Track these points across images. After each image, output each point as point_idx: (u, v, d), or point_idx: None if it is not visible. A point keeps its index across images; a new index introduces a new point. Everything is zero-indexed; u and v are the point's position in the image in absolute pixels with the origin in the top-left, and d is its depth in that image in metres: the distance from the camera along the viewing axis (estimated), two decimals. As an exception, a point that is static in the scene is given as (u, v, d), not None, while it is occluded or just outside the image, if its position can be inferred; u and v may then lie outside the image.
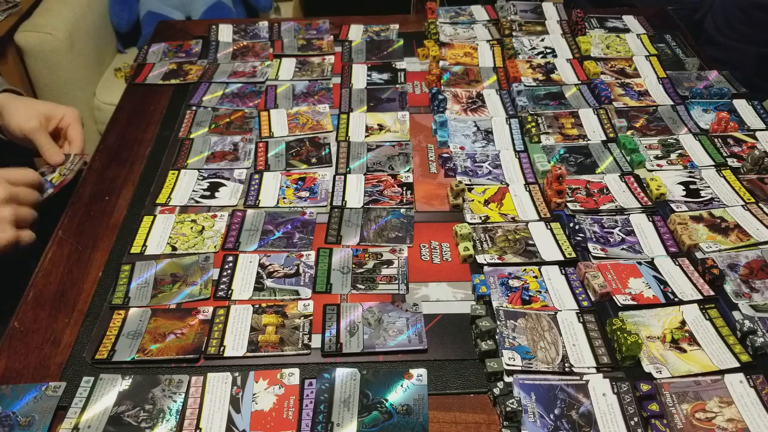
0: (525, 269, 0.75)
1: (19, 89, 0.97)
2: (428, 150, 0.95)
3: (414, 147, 0.95)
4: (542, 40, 1.19)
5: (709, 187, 0.86)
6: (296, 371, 0.65)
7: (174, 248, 0.79)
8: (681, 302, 0.71)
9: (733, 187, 0.86)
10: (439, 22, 1.25)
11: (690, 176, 0.88)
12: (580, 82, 1.08)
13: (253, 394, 0.63)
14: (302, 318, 0.70)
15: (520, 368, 0.64)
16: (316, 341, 0.68)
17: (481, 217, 0.82)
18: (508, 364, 0.64)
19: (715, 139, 0.95)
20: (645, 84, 1.07)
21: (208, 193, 0.87)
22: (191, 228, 0.82)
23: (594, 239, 0.79)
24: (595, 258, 0.77)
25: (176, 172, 0.91)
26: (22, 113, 0.89)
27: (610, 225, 0.81)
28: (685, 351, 0.66)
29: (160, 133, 1.00)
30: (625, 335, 0.64)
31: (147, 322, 0.70)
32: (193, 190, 0.88)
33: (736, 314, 0.70)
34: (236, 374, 0.65)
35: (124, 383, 0.64)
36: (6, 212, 0.74)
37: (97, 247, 0.80)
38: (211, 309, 0.71)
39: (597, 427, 0.60)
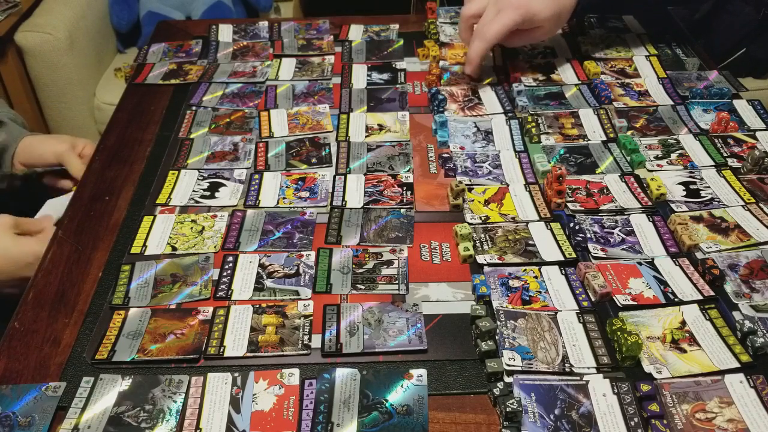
0: (525, 269, 0.75)
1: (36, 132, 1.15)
2: (428, 150, 0.95)
3: (414, 147, 0.95)
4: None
5: (709, 187, 0.86)
6: (296, 371, 0.65)
7: (174, 248, 0.79)
8: (681, 302, 0.71)
9: (733, 188, 0.86)
10: (439, 22, 1.25)
11: (690, 176, 0.88)
12: (580, 82, 1.08)
13: (253, 395, 0.63)
14: (302, 318, 0.70)
15: (520, 368, 0.64)
16: (316, 341, 0.68)
17: (481, 217, 0.82)
18: (508, 365, 0.64)
19: (715, 139, 0.95)
20: (645, 84, 1.06)
21: (208, 193, 0.87)
22: (191, 228, 0.82)
23: (594, 239, 0.79)
24: (595, 258, 0.77)
25: (176, 172, 0.91)
26: (52, 142, 1.09)
27: (610, 225, 0.81)
28: (685, 351, 0.66)
29: (160, 133, 0.99)
30: (625, 335, 0.64)
31: (147, 322, 0.70)
32: (193, 190, 0.88)
33: (736, 314, 0.70)
34: (236, 374, 0.65)
35: (124, 383, 0.64)
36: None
37: (97, 247, 0.80)
38: (211, 309, 0.71)
39: (597, 427, 0.60)
